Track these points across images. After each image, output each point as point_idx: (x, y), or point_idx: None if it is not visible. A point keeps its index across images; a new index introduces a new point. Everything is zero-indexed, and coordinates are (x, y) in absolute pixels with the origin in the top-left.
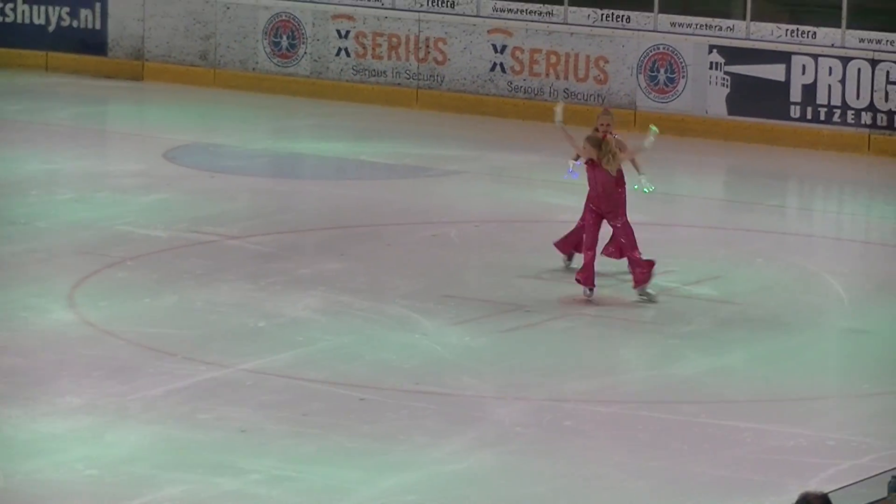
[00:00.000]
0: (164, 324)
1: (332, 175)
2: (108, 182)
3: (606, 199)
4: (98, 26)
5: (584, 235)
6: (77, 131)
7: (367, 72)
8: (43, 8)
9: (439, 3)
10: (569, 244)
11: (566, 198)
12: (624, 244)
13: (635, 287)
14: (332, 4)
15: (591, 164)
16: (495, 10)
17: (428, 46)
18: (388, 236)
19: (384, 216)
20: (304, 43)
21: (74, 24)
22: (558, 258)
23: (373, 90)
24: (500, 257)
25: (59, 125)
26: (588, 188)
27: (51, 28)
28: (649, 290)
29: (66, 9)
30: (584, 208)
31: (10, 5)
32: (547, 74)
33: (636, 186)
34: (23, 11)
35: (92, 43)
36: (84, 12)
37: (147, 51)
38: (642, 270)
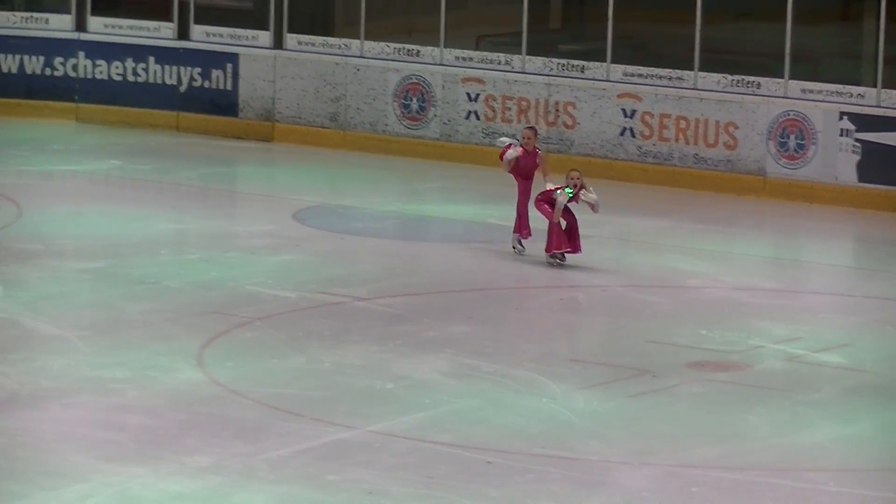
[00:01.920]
0: (292, 384)
1: (459, 237)
2: (236, 242)
3: None
4: (229, 87)
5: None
6: (206, 191)
7: (495, 135)
8: (174, 68)
9: (569, 68)
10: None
11: (695, 263)
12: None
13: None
14: (462, 68)
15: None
16: (625, 74)
17: (557, 110)
18: (515, 299)
19: (512, 279)
20: (433, 105)
21: (206, 84)
22: (686, 323)
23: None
24: (628, 322)
25: (188, 185)
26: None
27: (182, 88)
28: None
29: (198, 69)
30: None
31: (143, 65)
32: (676, 140)
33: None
34: (154, 72)
35: (222, 104)
36: (215, 73)
37: (277, 112)
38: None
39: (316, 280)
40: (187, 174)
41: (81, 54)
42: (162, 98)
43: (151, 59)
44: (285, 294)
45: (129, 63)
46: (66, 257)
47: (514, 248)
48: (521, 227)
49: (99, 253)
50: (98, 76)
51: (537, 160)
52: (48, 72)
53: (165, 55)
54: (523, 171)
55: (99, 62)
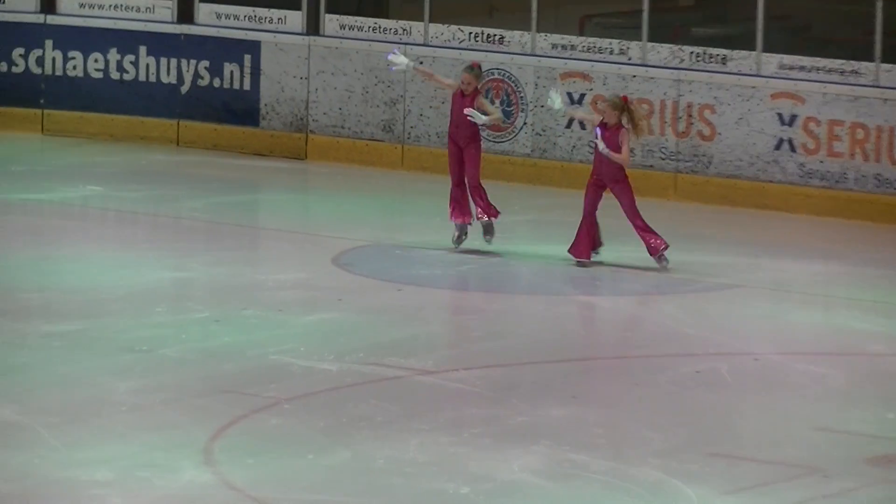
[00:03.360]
0: (333, 488)
1: (556, 288)
2: (258, 296)
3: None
4: (247, 86)
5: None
6: (217, 228)
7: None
8: (174, 62)
9: (706, 58)
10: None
11: (876, 322)
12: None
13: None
14: (562, 59)
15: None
16: (781, 67)
17: (690, 116)
18: (635, 372)
19: (629, 345)
20: (522, 111)
21: (216, 83)
22: (867, 404)
23: None
24: (788, 402)
25: (193, 219)
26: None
27: (184, 89)
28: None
29: (205, 63)
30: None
31: (131, 58)
32: (851, 155)
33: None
34: (147, 66)
35: (239, 109)
36: (229, 68)
37: (312, 120)
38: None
39: (365, 347)
40: (191, 204)
41: (49, 43)
42: (157, 102)
43: (143, 49)
44: (323, 366)
45: (113, 55)
46: (30, 317)
47: (453, 242)
48: (458, 210)
49: (73, 311)
50: (71, 73)
51: (476, 104)
52: (3, 67)
53: (161, 44)
54: (458, 123)
55: (72, 54)
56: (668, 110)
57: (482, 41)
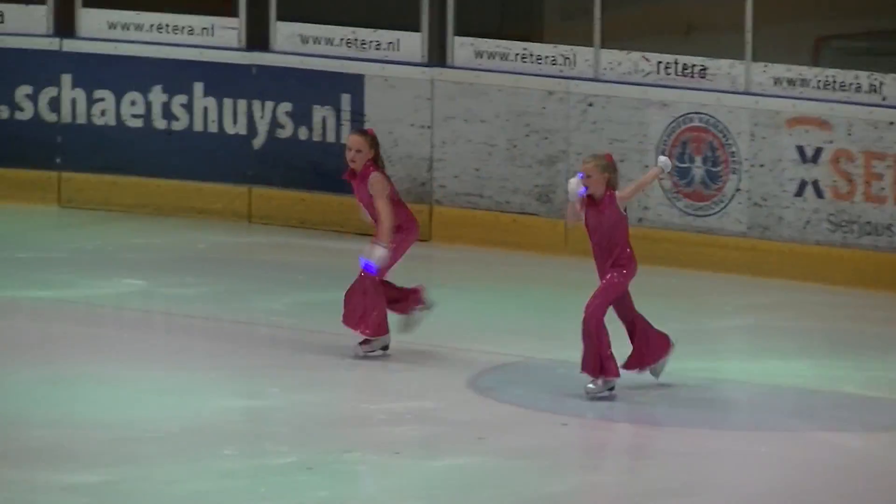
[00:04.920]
0: None
1: (784, 422)
2: (363, 433)
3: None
4: (345, 139)
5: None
6: (304, 337)
7: (853, 227)
8: (242, 105)
9: None
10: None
11: None
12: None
13: None
14: (788, 98)
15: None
16: None
17: None
18: None
19: None
20: (734, 171)
21: (301, 134)
22: None
23: (859, 260)
24: None
25: (270, 325)
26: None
27: (257, 142)
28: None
29: (286, 106)
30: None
31: (182, 99)
32: None
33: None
34: (204, 110)
35: (334, 170)
36: (319, 113)
37: (438, 186)
38: None
39: (516, 503)
40: (269, 304)
41: (66, 79)
42: (220, 162)
43: (198, 87)
44: None
45: (157, 95)
46: (38, 464)
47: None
48: (372, 321)
49: (100, 455)
50: (98, 120)
51: (369, 189)
52: (3, 113)
53: (225, 80)
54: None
55: (99, 94)
56: None
57: (675, 73)
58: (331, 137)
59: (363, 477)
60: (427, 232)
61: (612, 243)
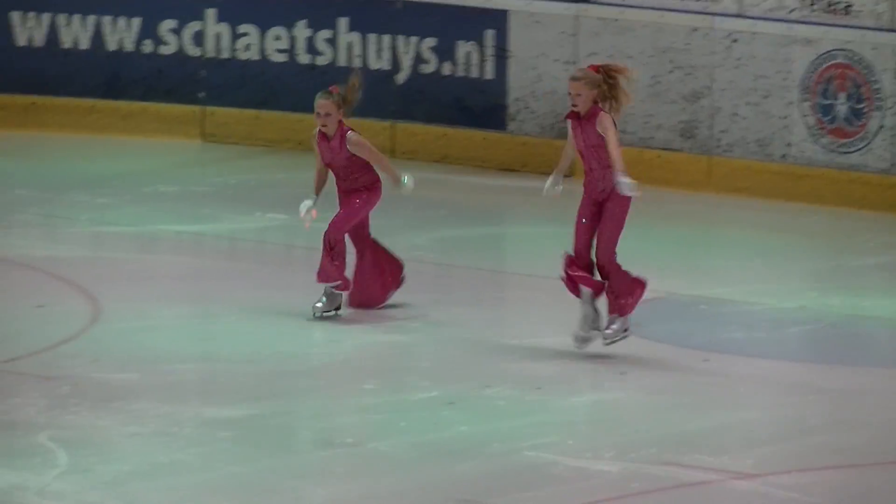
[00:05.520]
0: None
1: None
2: (505, 368)
3: None
4: (489, 75)
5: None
6: (446, 272)
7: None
8: (386, 40)
9: None
10: None
11: None
12: None
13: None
14: None
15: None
16: None
17: None
18: None
19: None
20: (879, 108)
21: (445, 69)
22: None
23: None
24: None
25: (413, 260)
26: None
27: (401, 77)
28: None
29: (431, 41)
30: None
31: (326, 34)
32: None
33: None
34: (348, 46)
35: (478, 107)
36: (463, 48)
37: None
38: None
39: (657, 440)
40: (411, 239)
41: (210, 14)
42: (364, 97)
43: (342, 22)
44: (599, 466)
45: (301, 30)
46: (186, 398)
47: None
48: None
49: (246, 390)
50: (242, 55)
51: (348, 147)
52: (146, 47)
53: (369, 14)
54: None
55: (243, 28)
56: None
57: (820, 10)
58: (474, 73)
59: (504, 412)
60: (569, 167)
61: (599, 164)
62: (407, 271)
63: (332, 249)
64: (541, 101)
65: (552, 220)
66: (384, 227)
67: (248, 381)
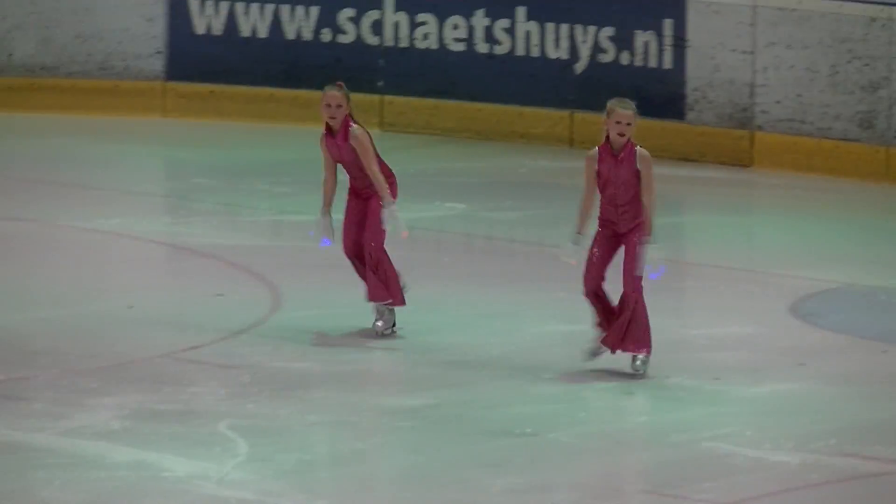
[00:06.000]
0: None
1: None
2: (684, 358)
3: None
4: (667, 64)
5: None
6: None
7: None
8: (564, 29)
9: None
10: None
11: None
12: None
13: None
14: None
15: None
16: None
17: None
18: None
19: None
20: None
21: (623, 59)
22: None
23: None
24: None
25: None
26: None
27: (579, 67)
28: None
29: (609, 30)
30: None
31: (504, 23)
32: None
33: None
34: (526, 35)
35: (657, 96)
36: (641, 38)
37: (760, 111)
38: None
39: (837, 430)
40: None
41: (389, 2)
42: (542, 86)
43: (521, 11)
44: (779, 457)
45: (480, 20)
46: (361, 386)
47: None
48: (385, 289)
49: (426, 379)
50: (420, 44)
51: (352, 143)
52: (325, 36)
53: (547, 3)
54: (346, 167)
55: (422, 17)
56: None
57: None
58: (652, 63)
59: (684, 403)
60: (749, 157)
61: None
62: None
63: (378, 267)
64: (719, 90)
65: (731, 210)
66: (563, 215)
67: (427, 371)
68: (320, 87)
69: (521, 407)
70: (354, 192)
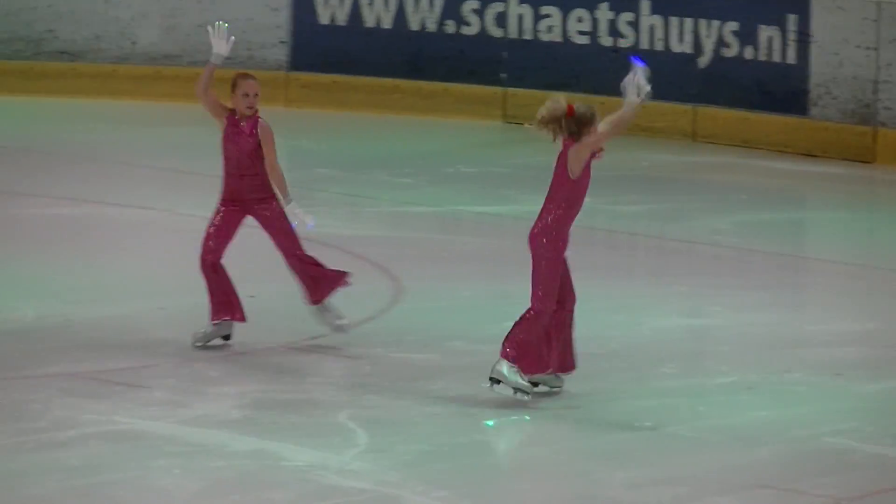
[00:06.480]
0: None
1: None
2: (804, 354)
3: None
4: (791, 59)
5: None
6: (746, 256)
7: None
8: (688, 23)
9: None
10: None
11: None
12: None
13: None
14: None
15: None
16: None
17: None
18: None
19: None
20: None
21: (747, 53)
22: None
23: None
24: None
25: (713, 244)
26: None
27: (703, 61)
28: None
29: (733, 25)
30: None
31: (628, 16)
32: None
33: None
34: (650, 29)
35: (779, 91)
36: (765, 32)
37: (883, 108)
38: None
39: None
40: (712, 223)
41: None
42: (665, 80)
43: (645, 5)
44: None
45: (604, 13)
46: (481, 378)
47: None
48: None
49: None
50: (544, 36)
51: (258, 132)
52: (449, 27)
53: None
54: (235, 168)
55: (546, 10)
56: None
57: None
58: (776, 58)
59: (803, 398)
60: (871, 154)
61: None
62: (715, 255)
63: (307, 270)
64: (842, 86)
65: (852, 206)
66: (685, 209)
67: None
68: (443, 78)
69: (641, 400)
70: (231, 199)
